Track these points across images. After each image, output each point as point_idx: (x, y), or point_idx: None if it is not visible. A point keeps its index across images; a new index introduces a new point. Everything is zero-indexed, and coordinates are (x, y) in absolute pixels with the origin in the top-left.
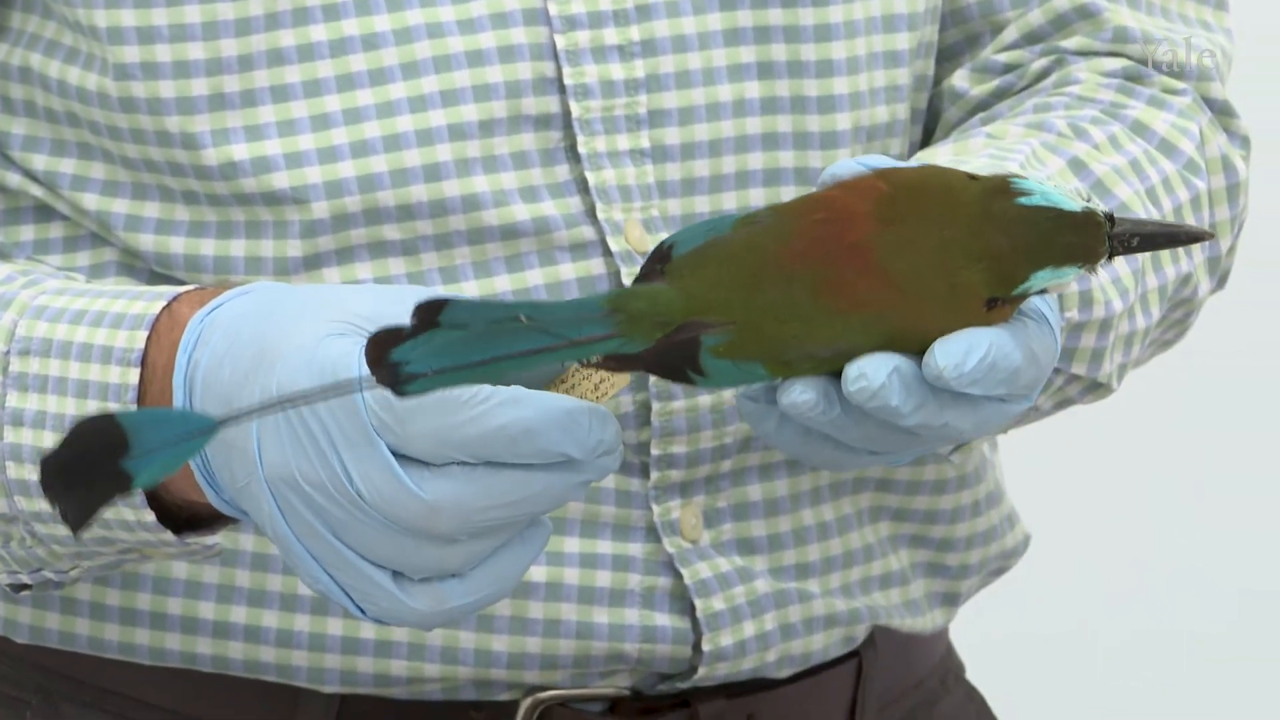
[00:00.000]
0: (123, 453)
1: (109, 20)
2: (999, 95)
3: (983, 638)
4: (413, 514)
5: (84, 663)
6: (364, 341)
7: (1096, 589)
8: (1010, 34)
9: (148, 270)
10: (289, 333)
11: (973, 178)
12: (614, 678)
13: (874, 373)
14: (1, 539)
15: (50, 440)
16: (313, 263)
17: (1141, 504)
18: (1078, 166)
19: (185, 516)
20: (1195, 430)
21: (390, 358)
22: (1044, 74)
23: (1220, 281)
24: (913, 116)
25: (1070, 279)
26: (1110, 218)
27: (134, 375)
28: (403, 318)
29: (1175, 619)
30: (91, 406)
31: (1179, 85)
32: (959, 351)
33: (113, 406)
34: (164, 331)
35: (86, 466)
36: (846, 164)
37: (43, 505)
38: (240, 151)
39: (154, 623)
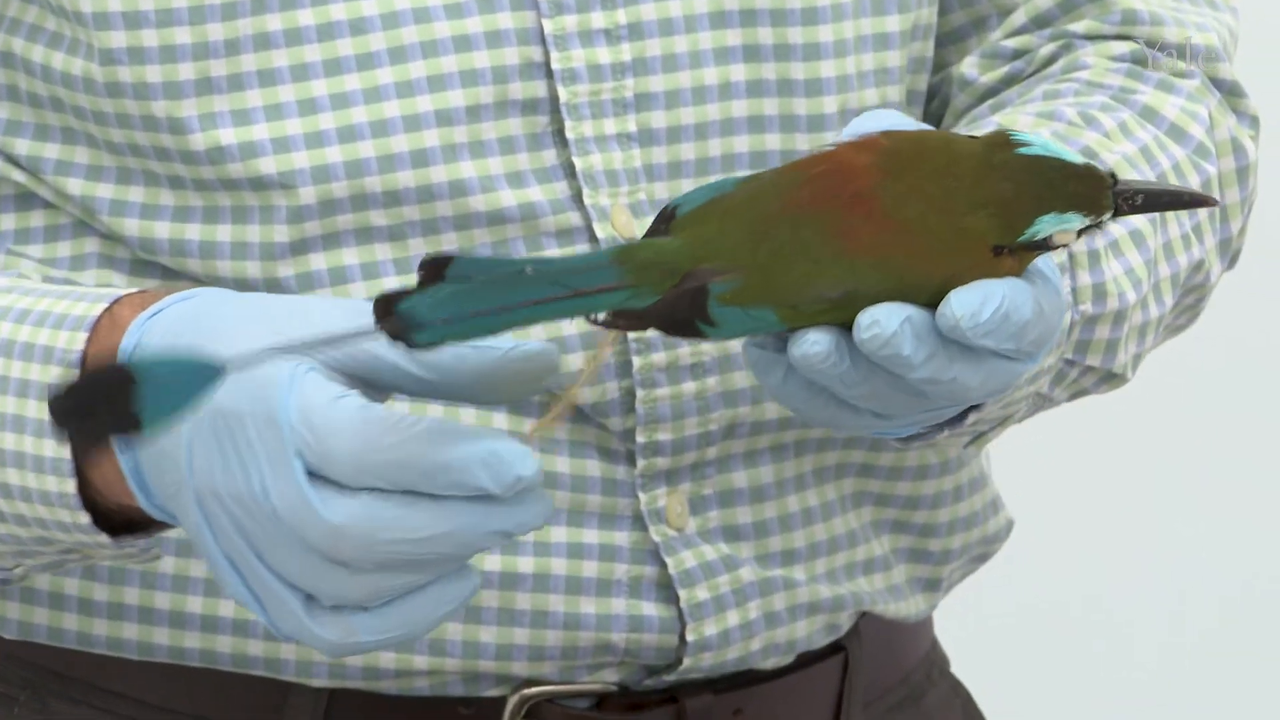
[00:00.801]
0: (130, 379)
1: (95, 5)
2: (1008, 81)
3: (967, 632)
4: (317, 535)
5: (72, 658)
6: (296, 357)
7: (1083, 583)
8: (1018, 17)
9: (129, 260)
10: (223, 345)
11: (971, 136)
12: (601, 672)
13: (886, 319)
14: None
15: None
16: (299, 248)
17: (1128, 494)
18: (1089, 155)
19: (121, 520)
20: (1187, 418)
21: (397, 309)
22: (1052, 59)
23: (1231, 262)
24: (910, 98)
25: (1075, 228)
26: (1113, 176)
27: (73, 376)
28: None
29: (1164, 611)
30: (31, 406)
31: (1187, 67)
32: (975, 301)
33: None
34: (104, 334)
35: (97, 403)
36: (860, 123)
37: None
38: (227, 136)
39: (142, 617)
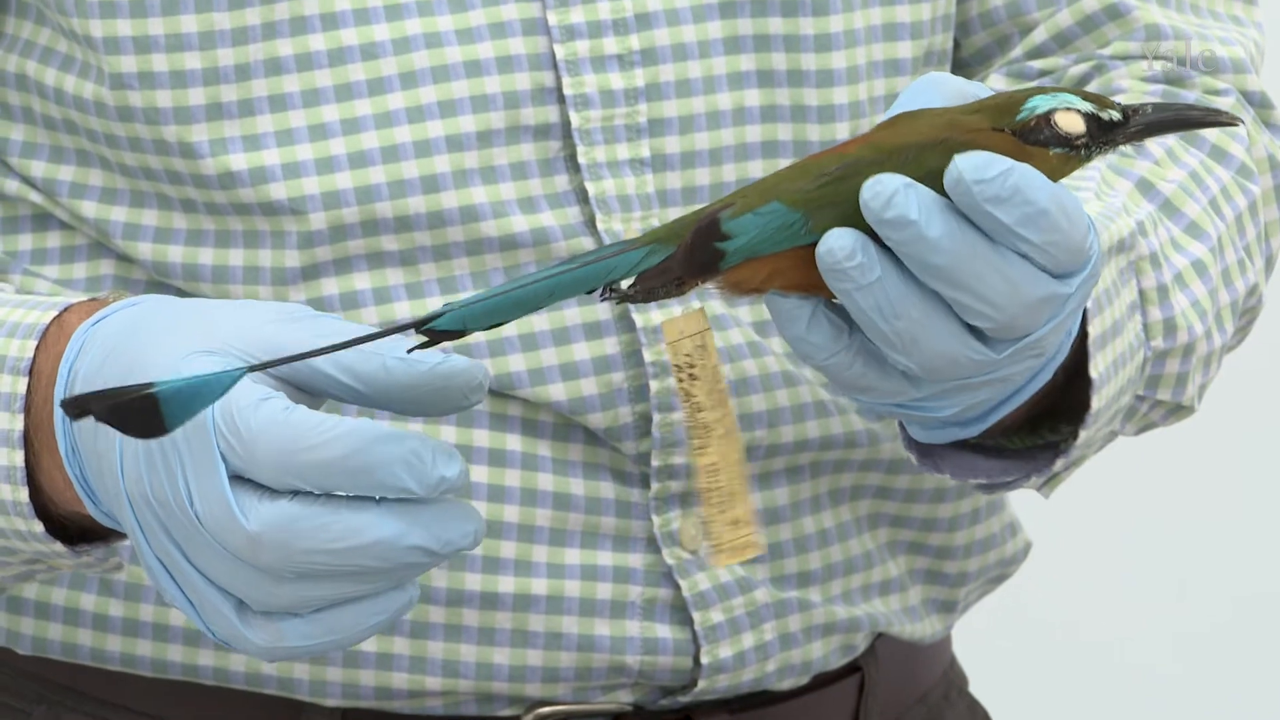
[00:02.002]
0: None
1: (105, 30)
2: None
3: (987, 651)
4: (237, 542)
5: (86, 675)
6: (231, 361)
7: (1103, 603)
8: (1039, 34)
9: (145, 282)
10: (157, 349)
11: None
12: (616, 693)
13: (890, 180)
14: None
15: None
16: (310, 273)
17: (1146, 515)
18: (1145, 187)
19: (76, 529)
20: (1206, 441)
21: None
22: (1084, 80)
23: (1270, 272)
24: None
25: (1076, 107)
26: (1125, 113)
27: (22, 384)
28: (278, 336)
29: (1182, 632)
30: None
31: (1220, 85)
32: (980, 160)
33: (1, 416)
34: (52, 341)
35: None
36: (918, 88)
37: None
38: (238, 161)
39: (156, 634)
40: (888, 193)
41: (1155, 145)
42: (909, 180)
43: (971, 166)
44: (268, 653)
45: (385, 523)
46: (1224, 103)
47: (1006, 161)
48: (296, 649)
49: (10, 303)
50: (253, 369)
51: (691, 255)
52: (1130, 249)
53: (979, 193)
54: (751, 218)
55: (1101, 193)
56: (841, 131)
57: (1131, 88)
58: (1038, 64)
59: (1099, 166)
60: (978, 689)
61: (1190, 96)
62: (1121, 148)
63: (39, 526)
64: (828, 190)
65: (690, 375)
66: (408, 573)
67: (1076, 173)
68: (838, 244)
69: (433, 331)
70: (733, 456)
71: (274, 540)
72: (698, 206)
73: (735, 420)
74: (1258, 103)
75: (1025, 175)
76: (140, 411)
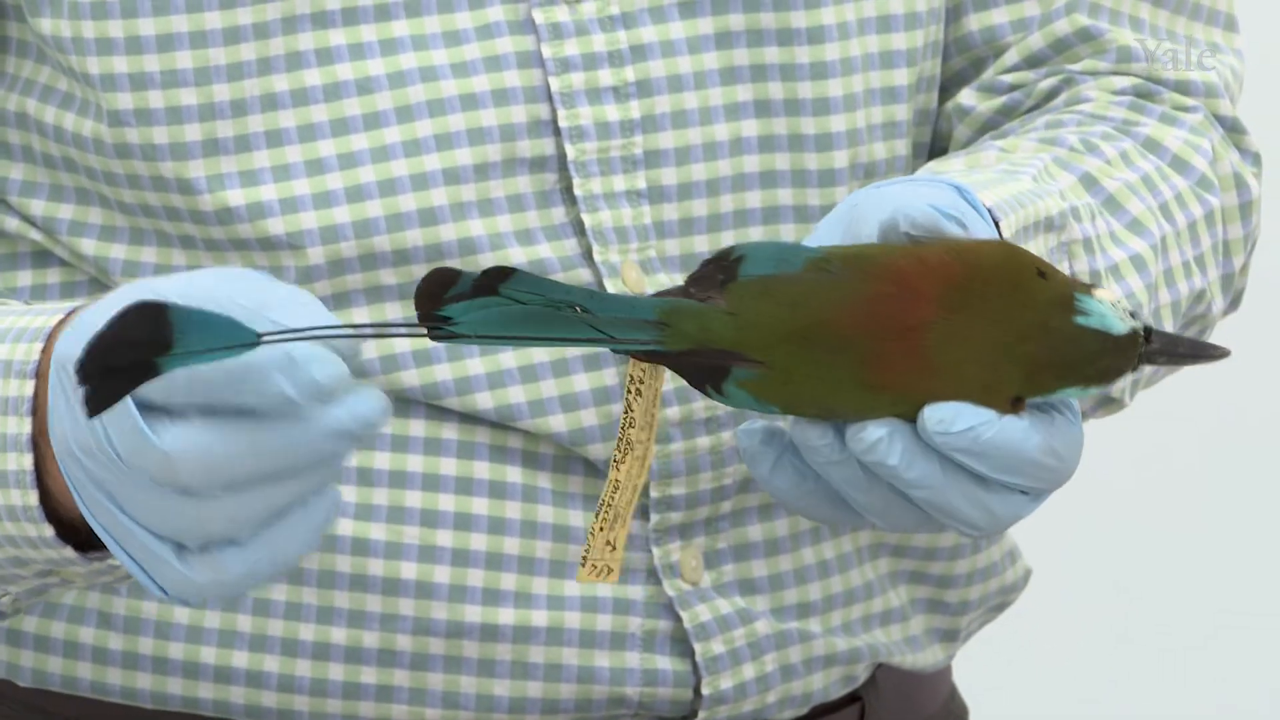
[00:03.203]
0: (163, 350)
1: (101, 67)
2: (1007, 113)
3: (988, 681)
4: (154, 464)
5: (87, 706)
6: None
7: (1103, 629)
8: (1011, 56)
9: None
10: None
11: (1043, 274)
12: None
13: (873, 430)
14: None
15: None
16: None
17: (1146, 540)
18: (1089, 182)
19: (86, 536)
20: (1205, 463)
21: (442, 311)
22: (1053, 93)
23: (1234, 302)
24: (915, 151)
25: (1089, 396)
26: (1148, 333)
27: (29, 387)
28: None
29: (1184, 657)
30: None
31: (1189, 102)
32: (947, 413)
33: (10, 421)
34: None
35: (122, 354)
36: (919, 205)
37: None
38: (235, 197)
39: (156, 667)
40: (869, 440)
41: (1110, 146)
42: (894, 427)
43: (935, 420)
44: (210, 589)
45: (295, 417)
46: (1191, 119)
47: (980, 415)
48: (240, 579)
49: (17, 311)
50: (263, 339)
51: (686, 373)
52: (1060, 229)
53: (944, 444)
54: (749, 400)
55: (1040, 178)
56: (839, 160)
57: (1099, 98)
58: (1008, 78)
59: (1043, 157)
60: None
61: (1157, 111)
62: (1072, 145)
63: (49, 530)
64: (824, 420)
65: (637, 390)
66: (329, 464)
67: (1016, 159)
68: (808, 430)
69: (440, 333)
70: (635, 481)
71: (189, 453)
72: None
73: (653, 451)
74: (1229, 127)
75: (1005, 432)
76: (147, 323)
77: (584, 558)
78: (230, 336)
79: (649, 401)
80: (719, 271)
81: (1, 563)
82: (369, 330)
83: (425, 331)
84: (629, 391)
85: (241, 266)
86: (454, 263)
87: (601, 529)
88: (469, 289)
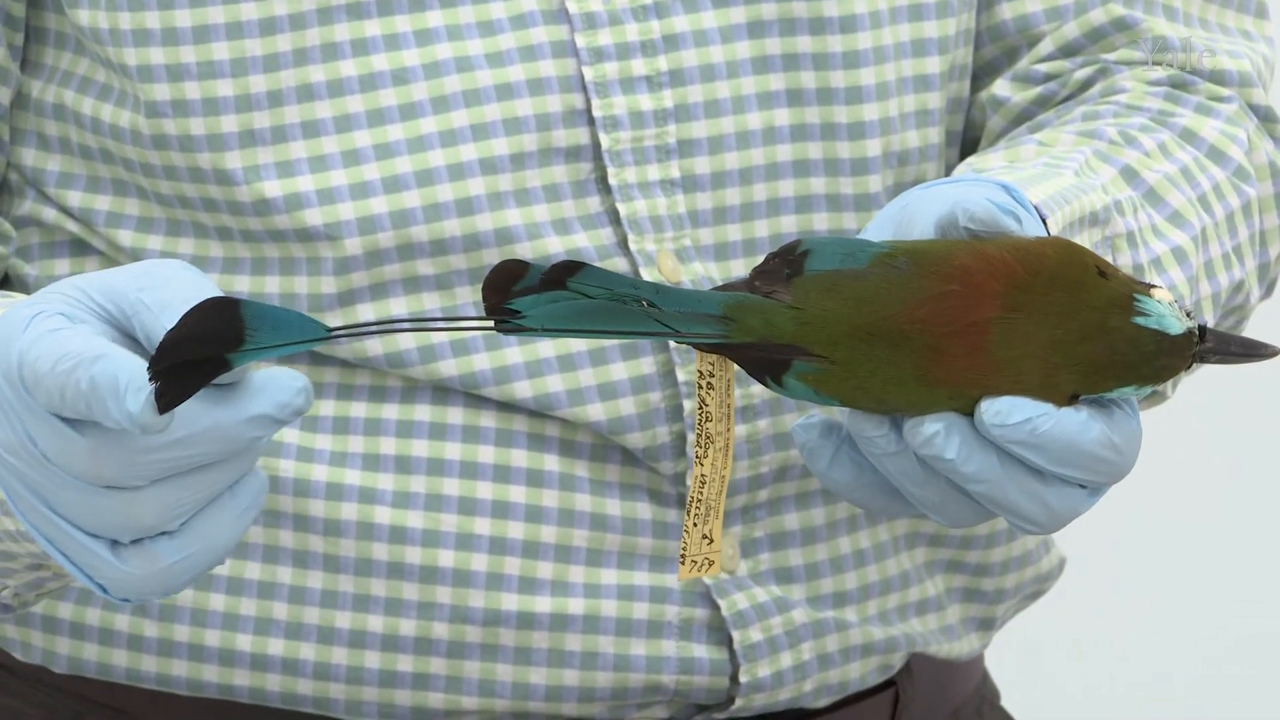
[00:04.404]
0: (234, 345)
1: (138, 59)
2: (1042, 104)
3: (1019, 665)
4: (81, 464)
5: (122, 692)
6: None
7: (1131, 613)
8: (1046, 46)
9: None
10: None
11: (1103, 273)
12: (651, 709)
13: (930, 424)
14: None
15: None
16: (347, 299)
17: (1179, 528)
18: (1130, 175)
19: None
20: (1239, 453)
21: (510, 304)
22: (1088, 83)
23: (1268, 290)
24: (948, 139)
25: (1143, 396)
26: (1202, 332)
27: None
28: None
29: (1215, 644)
30: None
31: (1224, 92)
32: (1004, 406)
33: None
34: None
35: (193, 348)
36: (978, 200)
37: None
38: (273, 188)
39: (191, 654)
40: (926, 434)
41: (1148, 139)
42: (951, 421)
43: (993, 412)
44: (148, 581)
45: (213, 407)
46: (1227, 109)
47: (1038, 408)
48: (174, 567)
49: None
50: (334, 332)
51: (747, 362)
52: (1104, 224)
53: (1001, 436)
54: (809, 393)
55: (1082, 172)
56: (872, 148)
57: (1135, 89)
58: (1043, 68)
59: (1084, 150)
60: (1010, 703)
61: (1193, 101)
62: (1111, 138)
63: (10, 524)
64: (882, 414)
65: (708, 384)
66: (250, 451)
67: (1057, 153)
68: (865, 423)
69: (508, 326)
70: (722, 473)
71: (112, 447)
72: (731, 239)
73: (733, 441)
74: (1263, 115)
75: (1062, 424)
76: (219, 317)
77: (682, 554)
78: (301, 331)
79: (721, 393)
80: (785, 265)
81: None
82: (440, 323)
83: (493, 324)
84: (700, 387)
85: (279, 257)
86: (491, 252)
87: (695, 525)
88: (537, 282)
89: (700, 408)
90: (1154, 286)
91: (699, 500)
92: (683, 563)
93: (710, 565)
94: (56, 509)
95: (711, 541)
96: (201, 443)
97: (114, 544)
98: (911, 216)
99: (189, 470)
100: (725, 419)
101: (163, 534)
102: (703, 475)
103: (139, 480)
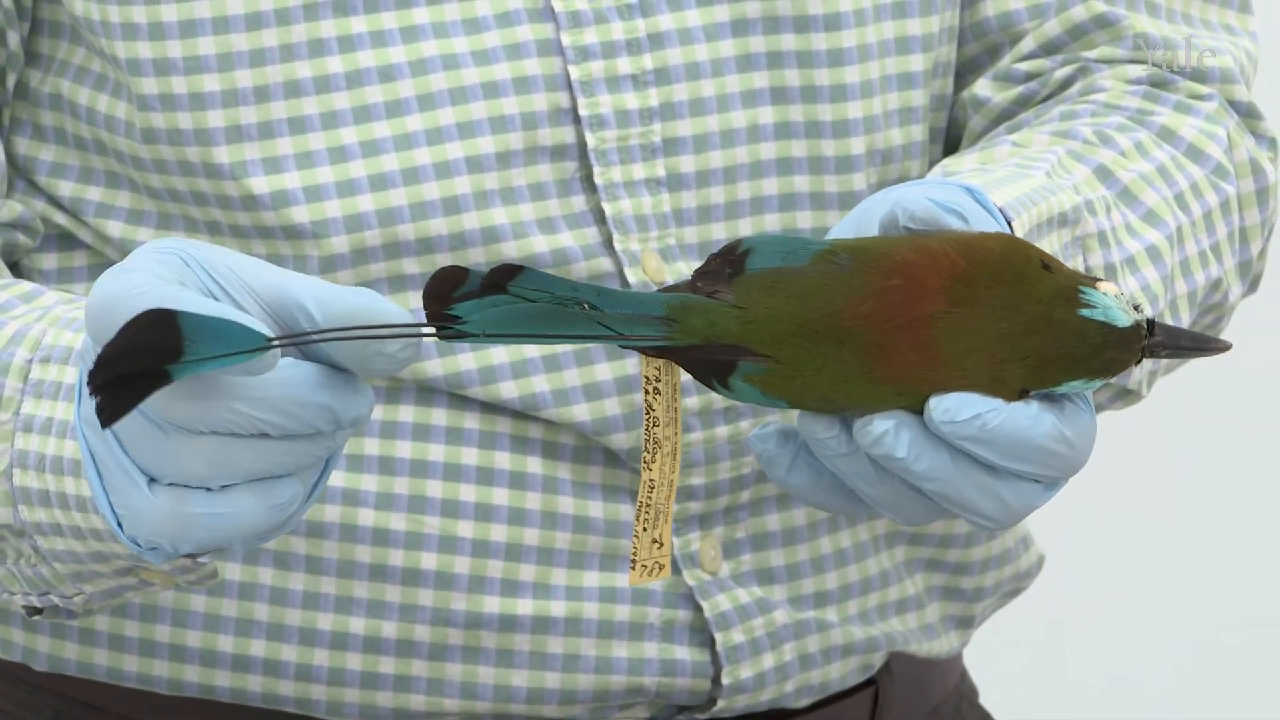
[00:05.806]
0: (173, 357)
1: (127, 52)
2: (1022, 103)
3: (997, 662)
4: (158, 398)
5: (103, 690)
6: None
7: (1109, 611)
8: (1028, 43)
9: None
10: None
11: (1047, 266)
12: (632, 710)
13: (879, 423)
14: (14, 555)
15: (54, 448)
16: None
17: (1157, 526)
18: (1104, 174)
19: None
20: (1217, 450)
21: (450, 310)
22: (1068, 82)
23: (1252, 285)
24: (932, 136)
25: (1095, 388)
26: (1150, 326)
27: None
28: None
29: (1195, 641)
30: (60, 409)
31: (1204, 90)
32: (953, 403)
33: (59, 406)
34: None
35: (131, 362)
36: (916, 199)
37: (43, 515)
38: (259, 184)
39: (173, 654)
40: (876, 433)
41: (1125, 138)
42: (900, 420)
43: (942, 409)
44: (168, 519)
45: (295, 381)
46: (1207, 107)
47: (987, 403)
48: (197, 517)
49: (64, 299)
50: (273, 342)
51: (693, 367)
52: (1074, 224)
53: (951, 433)
54: (755, 394)
55: (1054, 173)
56: (856, 146)
57: (1113, 88)
58: (1024, 67)
59: (1057, 150)
60: (988, 700)
61: (1172, 100)
62: (1086, 137)
63: (99, 522)
64: (830, 414)
65: (655, 389)
66: (310, 444)
67: (1030, 154)
68: (816, 424)
69: (449, 333)
70: (671, 477)
71: (191, 389)
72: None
73: (680, 445)
74: (1244, 112)
75: (1012, 419)
76: (157, 330)
77: (633, 560)
78: (240, 341)
79: (668, 397)
80: (726, 265)
81: (83, 556)
82: (375, 332)
83: (434, 331)
84: (647, 391)
85: (266, 254)
86: (478, 251)
87: (645, 529)
88: (477, 287)
89: (648, 413)
90: (1099, 280)
91: (648, 505)
92: (633, 568)
93: (660, 570)
94: (117, 431)
95: (661, 546)
96: (268, 405)
97: (151, 481)
98: (870, 219)
99: (250, 435)
100: (673, 424)
101: (202, 489)
102: (651, 480)
103: (204, 426)
